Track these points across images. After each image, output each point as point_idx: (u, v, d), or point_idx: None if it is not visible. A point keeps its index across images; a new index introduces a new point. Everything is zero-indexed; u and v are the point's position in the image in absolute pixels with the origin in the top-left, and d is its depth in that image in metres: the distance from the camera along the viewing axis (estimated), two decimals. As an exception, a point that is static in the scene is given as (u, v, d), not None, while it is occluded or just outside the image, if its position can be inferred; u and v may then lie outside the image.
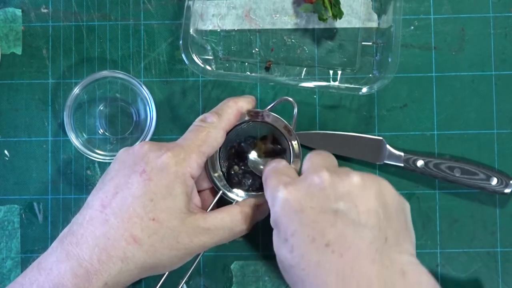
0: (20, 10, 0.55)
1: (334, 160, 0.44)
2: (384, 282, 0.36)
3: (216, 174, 0.49)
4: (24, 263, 0.54)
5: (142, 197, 0.42)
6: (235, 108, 0.47)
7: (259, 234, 0.53)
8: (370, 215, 0.38)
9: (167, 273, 0.47)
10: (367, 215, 0.38)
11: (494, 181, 0.51)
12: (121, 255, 0.41)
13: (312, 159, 0.43)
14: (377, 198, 0.39)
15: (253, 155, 0.51)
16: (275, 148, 0.51)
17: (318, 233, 0.38)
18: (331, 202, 0.38)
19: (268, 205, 0.42)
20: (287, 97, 0.49)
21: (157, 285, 0.48)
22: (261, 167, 0.50)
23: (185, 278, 0.49)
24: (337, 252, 0.37)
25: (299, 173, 0.45)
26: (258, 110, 0.49)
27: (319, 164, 0.42)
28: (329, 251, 0.37)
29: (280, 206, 0.40)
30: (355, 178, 0.39)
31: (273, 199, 0.41)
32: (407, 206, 0.41)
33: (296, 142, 0.49)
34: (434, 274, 0.53)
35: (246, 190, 0.50)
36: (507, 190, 0.51)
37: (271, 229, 0.54)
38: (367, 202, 0.38)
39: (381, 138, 0.53)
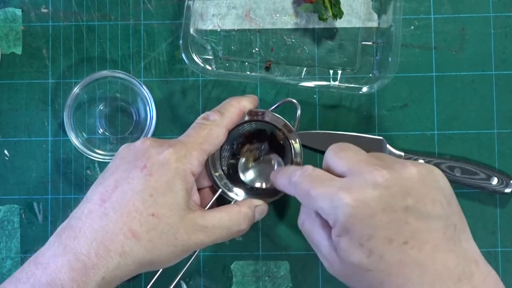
0: (20, 10, 0.55)
1: (358, 149, 0.43)
2: (463, 272, 0.38)
3: (216, 173, 0.49)
4: (24, 263, 0.53)
5: (142, 192, 0.42)
6: (237, 107, 0.47)
7: (259, 234, 0.53)
8: (435, 205, 0.38)
9: (161, 269, 0.46)
10: (433, 206, 0.38)
11: (495, 181, 0.51)
12: (119, 249, 0.41)
13: (346, 155, 0.41)
14: (437, 187, 0.40)
15: (248, 158, 0.51)
16: (272, 146, 0.51)
17: (394, 233, 0.38)
18: (399, 200, 0.38)
19: (321, 213, 0.40)
20: (290, 99, 0.49)
21: (151, 280, 0.47)
22: (253, 166, 0.50)
23: (181, 274, 0.48)
24: (416, 247, 0.37)
25: None
26: (258, 109, 0.49)
27: (361, 161, 0.41)
28: (408, 248, 0.37)
29: (349, 213, 0.38)
30: (412, 169, 0.39)
31: (334, 207, 0.39)
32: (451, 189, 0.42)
33: (297, 141, 0.49)
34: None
35: (247, 190, 0.50)
36: (507, 190, 0.51)
37: (271, 230, 0.54)
38: (430, 193, 0.39)
39: (381, 138, 0.53)
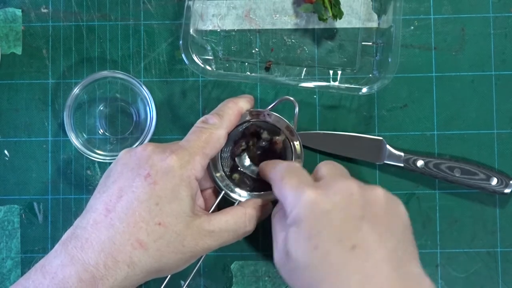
0: (20, 10, 0.55)
1: (347, 171, 0.45)
2: None
3: (218, 175, 0.49)
4: (24, 263, 0.54)
5: (148, 202, 0.42)
6: (235, 109, 0.47)
7: (259, 234, 0.53)
8: (391, 225, 0.40)
9: (169, 276, 0.47)
10: (388, 227, 0.40)
11: (494, 181, 0.51)
12: (127, 260, 0.41)
13: (329, 168, 0.44)
14: (396, 213, 0.41)
15: (249, 158, 0.51)
16: (272, 147, 0.51)
17: (345, 235, 0.39)
18: (358, 209, 0.40)
19: (284, 202, 0.42)
20: (288, 97, 0.49)
21: (159, 286, 0.48)
22: (254, 167, 0.50)
23: (188, 280, 0.49)
24: (362, 255, 0.38)
25: None
26: (260, 110, 0.49)
27: (339, 173, 0.44)
28: (355, 253, 0.38)
29: (307, 205, 0.40)
30: (379, 191, 0.41)
31: (296, 198, 0.41)
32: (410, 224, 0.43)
33: (298, 142, 0.49)
34: (434, 274, 0.53)
35: (249, 190, 0.50)
36: (507, 190, 0.51)
37: (271, 230, 0.54)
38: (388, 214, 0.40)
39: (381, 138, 0.53)
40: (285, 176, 0.43)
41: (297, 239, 0.40)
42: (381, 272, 0.38)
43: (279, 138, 0.50)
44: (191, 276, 0.49)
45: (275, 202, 0.48)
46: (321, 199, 0.40)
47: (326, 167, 0.44)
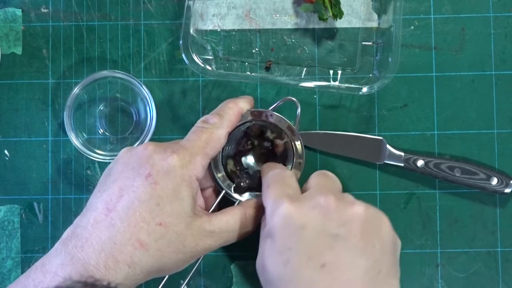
0: (20, 10, 0.55)
1: (339, 185, 0.45)
2: None
3: (219, 175, 0.49)
4: (24, 263, 0.54)
5: (149, 201, 0.41)
6: (236, 109, 0.47)
7: (259, 234, 0.53)
8: (366, 246, 0.40)
9: (167, 275, 0.47)
10: (365, 246, 0.40)
11: (494, 181, 0.51)
12: (128, 260, 0.40)
13: (319, 179, 0.45)
14: (376, 232, 0.41)
15: (250, 158, 0.51)
16: (273, 148, 0.51)
17: (316, 252, 0.39)
18: (333, 226, 0.40)
19: (266, 211, 0.43)
20: (290, 97, 0.49)
21: (157, 286, 0.48)
22: (255, 167, 0.50)
23: (186, 280, 0.49)
24: (331, 274, 0.38)
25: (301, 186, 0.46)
26: (261, 110, 0.49)
27: (325, 187, 0.43)
28: (324, 272, 0.38)
29: (282, 219, 0.40)
30: (359, 208, 0.41)
31: (274, 209, 0.41)
32: (399, 244, 0.43)
33: (299, 142, 0.49)
34: (434, 274, 0.53)
35: (250, 190, 0.50)
36: (507, 190, 0.51)
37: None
38: (366, 234, 0.40)
39: (381, 138, 0.53)
40: (270, 185, 0.44)
41: (271, 252, 0.40)
42: None
43: (280, 141, 0.50)
44: (190, 275, 0.49)
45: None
46: (297, 214, 0.40)
47: (316, 179, 0.45)
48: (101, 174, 0.53)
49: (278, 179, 0.45)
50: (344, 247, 0.39)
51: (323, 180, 0.45)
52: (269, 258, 0.40)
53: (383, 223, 0.42)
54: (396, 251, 0.42)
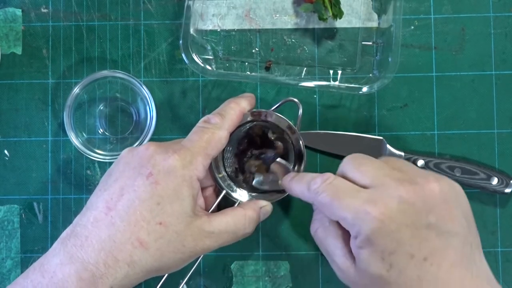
0: (20, 10, 0.55)
1: (380, 162, 0.43)
2: None
3: (220, 175, 0.49)
4: (24, 263, 0.54)
5: (149, 201, 0.41)
6: (237, 109, 0.47)
7: (259, 234, 0.53)
8: (455, 223, 0.39)
9: (166, 275, 0.47)
10: (453, 224, 0.39)
11: (495, 181, 0.51)
12: (127, 259, 0.40)
13: (370, 169, 0.42)
14: (458, 206, 0.40)
15: (251, 159, 0.51)
16: (274, 148, 0.51)
17: (415, 249, 0.38)
18: (422, 217, 0.39)
19: (343, 222, 0.40)
20: (292, 98, 0.49)
21: (157, 285, 0.48)
22: (256, 167, 0.50)
23: (186, 279, 0.49)
24: (435, 264, 0.38)
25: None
26: (262, 110, 0.49)
27: (388, 175, 0.41)
28: (428, 264, 0.38)
29: (375, 226, 0.39)
30: (433, 186, 0.40)
31: (359, 219, 0.39)
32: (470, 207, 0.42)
33: (300, 143, 0.49)
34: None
35: (250, 191, 0.50)
36: (507, 190, 0.51)
37: (271, 230, 0.54)
38: (450, 211, 0.40)
39: (381, 138, 0.53)
40: (334, 198, 0.41)
41: (371, 260, 0.39)
42: (455, 276, 0.38)
43: (280, 142, 0.50)
44: (189, 274, 0.49)
45: (275, 203, 0.49)
46: (387, 219, 0.39)
47: (363, 174, 0.41)
48: (101, 174, 0.54)
49: (337, 187, 0.41)
50: (438, 233, 0.39)
51: (375, 169, 0.41)
52: (371, 266, 0.39)
53: (459, 192, 0.41)
54: (472, 216, 0.42)
